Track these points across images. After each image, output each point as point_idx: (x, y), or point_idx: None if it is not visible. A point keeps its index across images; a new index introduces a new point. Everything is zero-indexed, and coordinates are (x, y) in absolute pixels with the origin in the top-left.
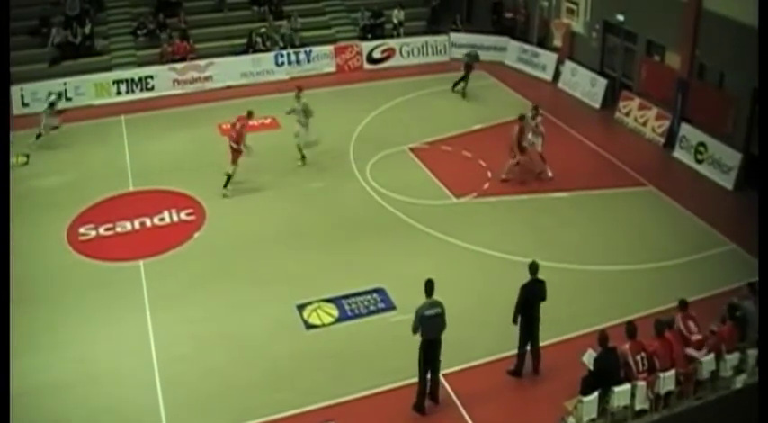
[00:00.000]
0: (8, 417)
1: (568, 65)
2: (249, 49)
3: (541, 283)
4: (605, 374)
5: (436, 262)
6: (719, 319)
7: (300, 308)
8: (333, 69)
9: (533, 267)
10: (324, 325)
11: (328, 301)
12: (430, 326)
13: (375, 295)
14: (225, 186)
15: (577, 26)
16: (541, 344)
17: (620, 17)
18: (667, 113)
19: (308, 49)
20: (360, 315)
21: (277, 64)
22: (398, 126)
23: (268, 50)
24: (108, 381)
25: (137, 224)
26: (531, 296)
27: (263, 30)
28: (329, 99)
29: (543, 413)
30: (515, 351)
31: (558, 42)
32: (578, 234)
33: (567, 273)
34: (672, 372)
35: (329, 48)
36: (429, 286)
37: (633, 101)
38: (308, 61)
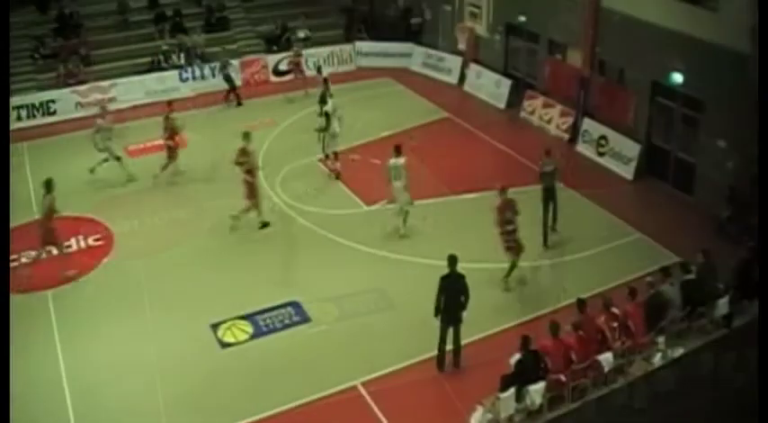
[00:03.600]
0: (8, 416)
1: (473, 68)
2: (154, 67)
3: (461, 277)
4: (525, 374)
5: (351, 271)
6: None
7: (214, 327)
8: (239, 84)
9: (451, 260)
10: (239, 342)
11: (242, 318)
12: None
13: (290, 309)
14: None
15: (481, 29)
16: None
17: (522, 18)
18: (571, 110)
19: (212, 64)
20: (275, 330)
21: (181, 80)
22: (307, 138)
23: (174, 67)
24: (17, 417)
25: (42, 253)
26: (450, 289)
27: (165, 47)
28: (235, 114)
29: (464, 410)
30: (434, 352)
31: (462, 46)
32: (490, 233)
33: (481, 272)
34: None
35: (235, 62)
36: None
37: (537, 99)
38: (213, 76)
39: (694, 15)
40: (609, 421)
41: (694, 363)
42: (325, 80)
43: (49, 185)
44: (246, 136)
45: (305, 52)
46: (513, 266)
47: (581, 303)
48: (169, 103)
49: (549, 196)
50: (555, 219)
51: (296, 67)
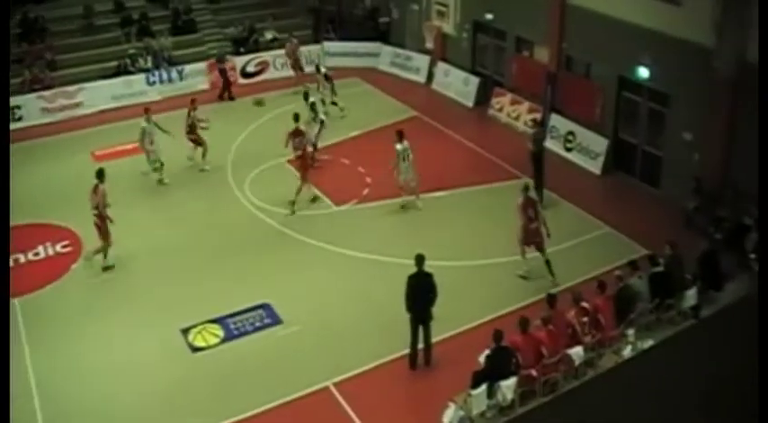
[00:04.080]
0: (8, 417)
1: (441, 66)
2: (121, 71)
3: (428, 276)
4: (496, 370)
5: (321, 272)
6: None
7: (185, 331)
8: (207, 86)
9: (418, 259)
10: (210, 346)
11: (213, 321)
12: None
13: (261, 311)
14: None
15: (448, 27)
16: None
17: (489, 16)
18: (538, 106)
19: (180, 67)
20: (246, 333)
21: (149, 84)
22: (275, 139)
23: (141, 71)
24: None
25: (10, 262)
26: (418, 288)
27: (132, 51)
28: (204, 116)
29: (436, 408)
30: (405, 351)
31: (429, 44)
32: (459, 231)
33: (452, 270)
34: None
35: (202, 65)
36: None
37: (505, 97)
38: (181, 79)
39: (659, 10)
40: (580, 413)
41: (664, 353)
42: (327, 77)
43: (101, 175)
44: (296, 118)
45: (273, 53)
46: (548, 262)
47: (551, 298)
48: (192, 100)
49: (537, 160)
50: (541, 185)
51: (295, 62)
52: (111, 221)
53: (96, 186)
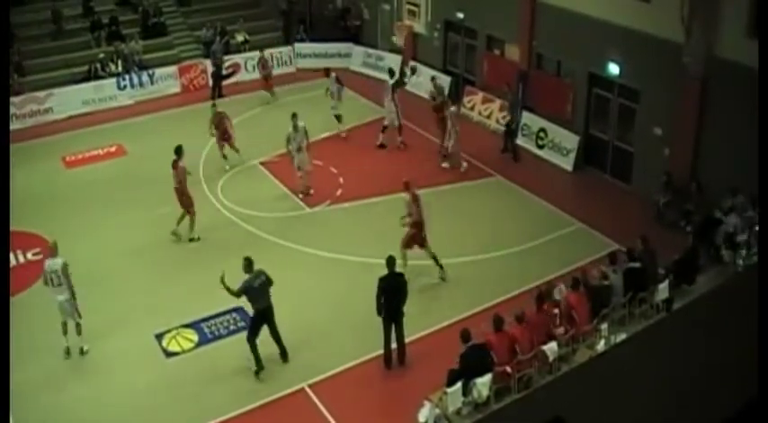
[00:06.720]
0: (8, 417)
1: (412, 65)
2: (91, 75)
3: (400, 276)
4: (471, 368)
5: (295, 274)
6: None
7: (159, 337)
8: (178, 90)
9: (389, 261)
10: (184, 351)
11: (187, 326)
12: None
13: (235, 315)
14: None
15: (419, 27)
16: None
17: (460, 15)
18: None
19: (150, 70)
20: (221, 336)
21: (119, 88)
22: (248, 141)
23: (112, 75)
24: None
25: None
26: (390, 289)
27: (101, 55)
28: (176, 120)
29: (411, 406)
30: (379, 350)
31: (401, 44)
32: (431, 230)
33: (424, 268)
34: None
35: (173, 68)
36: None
37: (477, 95)
38: (152, 83)
39: (628, 7)
40: (555, 408)
41: (637, 347)
42: (338, 79)
43: (179, 152)
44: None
45: (245, 56)
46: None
47: (539, 298)
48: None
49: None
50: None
51: (263, 68)
52: (190, 199)
53: (175, 162)
